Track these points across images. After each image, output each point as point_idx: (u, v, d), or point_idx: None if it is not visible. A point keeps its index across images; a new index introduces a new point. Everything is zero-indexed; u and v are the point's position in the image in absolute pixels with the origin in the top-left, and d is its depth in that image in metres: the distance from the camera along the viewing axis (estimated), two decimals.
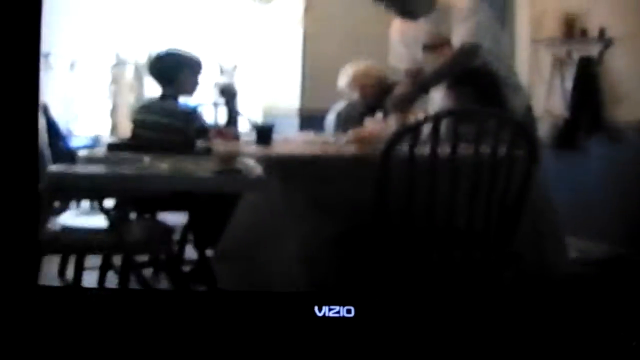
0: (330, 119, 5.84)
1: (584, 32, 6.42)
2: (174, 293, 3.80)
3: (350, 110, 5.74)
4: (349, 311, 3.26)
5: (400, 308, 3.30)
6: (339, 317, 3.25)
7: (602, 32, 6.26)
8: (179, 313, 3.24)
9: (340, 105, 5.86)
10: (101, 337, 3.10)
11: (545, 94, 6.52)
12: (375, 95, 5.63)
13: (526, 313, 3.23)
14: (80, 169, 3.79)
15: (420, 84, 4.57)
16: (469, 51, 4.44)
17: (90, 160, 4.08)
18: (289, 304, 3.28)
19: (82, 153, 4.44)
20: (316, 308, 3.25)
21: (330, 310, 3.25)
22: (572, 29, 6.53)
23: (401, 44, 4.84)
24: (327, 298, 3.24)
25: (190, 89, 4.57)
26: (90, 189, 3.71)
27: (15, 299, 3.08)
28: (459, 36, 4.42)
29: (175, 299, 3.40)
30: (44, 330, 3.08)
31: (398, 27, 4.82)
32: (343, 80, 5.82)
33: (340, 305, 3.24)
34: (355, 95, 5.77)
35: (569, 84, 6.48)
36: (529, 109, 4.77)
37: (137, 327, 3.16)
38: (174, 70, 4.48)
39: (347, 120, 5.60)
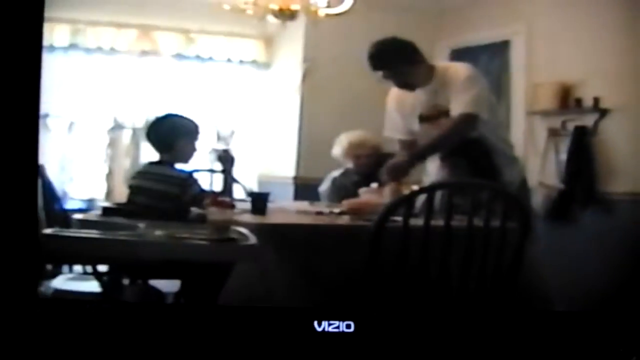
0: (326, 185, 5.85)
1: (578, 102, 6.45)
2: (177, 308, 3.80)
3: (344, 179, 5.76)
4: (348, 326, 3.28)
5: (398, 324, 3.32)
6: (339, 332, 3.28)
7: (596, 102, 6.29)
8: (182, 328, 3.26)
9: (335, 173, 5.87)
10: None
11: (539, 166, 6.53)
12: (369, 165, 5.66)
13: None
14: (74, 232, 3.77)
15: (417, 154, 4.59)
16: (468, 122, 4.47)
17: (84, 224, 4.06)
18: (289, 319, 3.30)
19: (76, 216, 4.43)
20: (316, 323, 3.28)
21: (329, 325, 3.27)
22: (567, 100, 6.57)
23: (397, 113, 4.88)
24: (327, 313, 3.27)
25: (187, 156, 4.55)
26: (83, 253, 3.69)
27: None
28: (457, 107, 4.46)
29: (178, 313, 3.42)
30: None
31: (395, 96, 4.87)
32: (337, 149, 5.84)
33: (340, 320, 3.28)
34: (349, 164, 5.79)
35: (563, 156, 6.49)
36: (523, 181, 4.79)
37: (144, 342, 3.20)
38: (172, 137, 4.47)
39: (341, 189, 5.62)
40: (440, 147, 4.55)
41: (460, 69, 4.61)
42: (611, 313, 3.45)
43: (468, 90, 4.50)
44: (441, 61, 4.78)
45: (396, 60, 4.60)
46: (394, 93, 4.87)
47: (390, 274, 3.52)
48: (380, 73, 4.65)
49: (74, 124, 7.45)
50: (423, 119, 4.71)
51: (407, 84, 4.67)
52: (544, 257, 4.21)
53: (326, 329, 3.29)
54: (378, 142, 5.81)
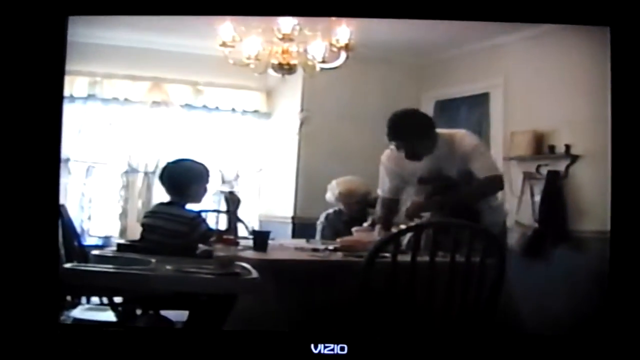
0: (320, 221, 5.88)
1: (551, 149, 6.49)
2: (186, 333, 3.81)
3: (336, 218, 5.78)
4: (342, 349, 3.31)
5: (388, 346, 3.34)
6: (333, 354, 3.30)
7: (568, 149, 6.33)
8: (190, 352, 3.28)
9: (330, 210, 5.91)
10: None
11: (516, 206, 6.55)
12: (359, 210, 5.69)
13: None
14: (91, 267, 3.79)
15: (442, 202, 4.57)
16: (496, 182, 4.64)
17: (101, 259, 4.08)
18: (288, 343, 3.33)
19: (94, 252, 4.45)
20: (312, 346, 3.30)
21: (325, 347, 3.30)
22: (541, 146, 6.60)
23: (394, 175, 4.87)
24: (322, 337, 3.29)
25: (197, 198, 4.57)
26: (100, 286, 3.72)
27: None
28: (482, 171, 4.53)
29: (187, 339, 3.44)
30: None
31: (393, 159, 4.83)
32: (330, 196, 5.87)
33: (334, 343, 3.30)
34: (341, 206, 5.82)
35: (537, 197, 6.52)
36: (504, 223, 4.83)
37: None
38: (184, 180, 4.50)
39: (333, 226, 5.65)
40: (467, 202, 4.57)
41: (466, 138, 4.66)
42: (578, 338, 3.48)
43: (484, 156, 4.63)
44: (440, 128, 4.75)
45: (413, 135, 4.59)
46: (393, 156, 4.82)
47: (380, 304, 3.55)
48: (393, 142, 4.64)
49: (92, 167, 7.47)
50: (422, 181, 4.71)
51: (416, 156, 4.65)
52: (519, 289, 4.24)
53: (322, 351, 3.32)
54: (366, 189, 5.84)
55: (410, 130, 4.57)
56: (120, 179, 7.49)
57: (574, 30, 5.81)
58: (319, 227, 5.89)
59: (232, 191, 5.71)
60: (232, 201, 5.02)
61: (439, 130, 4.68)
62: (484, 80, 7.39)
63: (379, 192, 4.95)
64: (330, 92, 7.57)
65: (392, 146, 4.65)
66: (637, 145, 3.54)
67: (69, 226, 4.72)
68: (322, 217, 5.94)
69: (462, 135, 4.65)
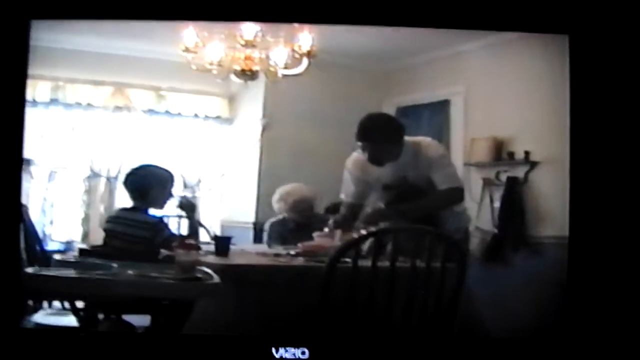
0: (265, 231, 5.87)
1: (511, 155, 6.56)
2: (147, 337, 3.79)
3: (281, 227, 5.77)
4: (303, 352, 3.31)
5: (348, 351, 3.35)
6: (294, 359, 3.30)
7: (527, 155, 6.41)
8: (152, 356, 3.26)
9: (273, 219, 5.89)
10: None
11: (476, 212, 6.59)
12: (307, 216, 5.70)
13: None
14: (53, 271, 3.76)
15: (402, 210, 4.52)
16: (455, 194, 4.62)
17: (63, 264, 4.05)
18: (249, 346, 3.33)
19: (56, 257, 4.41)
20: (274, 349, 3.30)
21: (286, 351, 3.30)
22: (500, 153, 6.67)
23: (358, 181, 4.86)
24: (283, 341, 3.29)
25: (159, 203, 4.55)
26: (62, 291, 3.69)
27: None
28: (444, 181, 4.54)
29: (148, 342, 3.42)
30: None
31: (359, 165, 4.82)
32: (279, 205, 5.84)
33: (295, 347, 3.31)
34: (286, 214, 5.80)
35: (497, 203, 6.56)
36: (466, 229, 4.85)
37: None
38: (147, 186, 4.47)
39: (278, 235, 5.64)
40: (426, 212, 4.55)
41: (432, 147, 4.66)
42: (539, 342, 3.51)
43: (447, 167, 4.63)
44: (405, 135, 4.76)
45: (382, 139, 4.57)
46: (358, 161, 4.81)
47: (341, 308, 3.56)
48: (359, 143, 4.62)
49: (54, 172, 7.42)
50: (387, 188, 4.71)
51: (379, 160, 4.64)
52: (479, 294, 4.26)
53: (283, 355, 3.33)
54: (314, 195, 5.85)
55: (380, 134, 4.56)
56: (82, 183, 7.45)
57: (534, 38, 5.86)
58: (265, 236, 5.88)
59: (184, 196, 5.68)
60: (186, 206, 5.00)
61: (405, 138, 4.69)
62: (445, 87, 7.44)
63: (342, 196, 4.94)
64: (292, 98, 7.58)
65: (358, 150, 4.65)
66: (594, 151, 3.58)
67: (31, 230, 4.69)
68: (266, 226, 5.93)
69: (428, 144, 4.66)
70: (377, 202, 4.80)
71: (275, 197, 5.90)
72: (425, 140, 4.73)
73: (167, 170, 4.63)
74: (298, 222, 5.78)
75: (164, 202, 4.57)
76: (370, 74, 8.03)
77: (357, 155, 4.75)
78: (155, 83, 7.84)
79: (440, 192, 4.53)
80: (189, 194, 7.54)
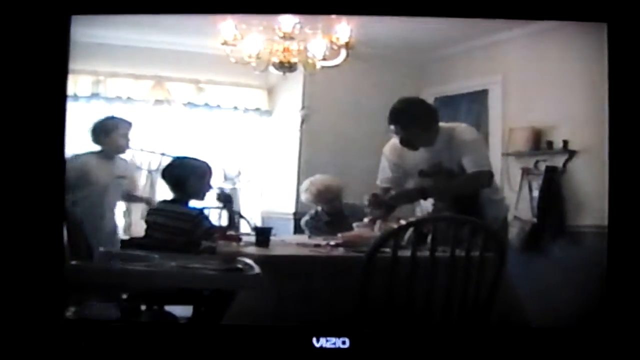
0: (303, 227, 5.88)
1: (549, 145, 6.49)
2: (189, 327, 3.82)
3: (316, 222, 5.78)
4: (344, 342, 3.31)
5: (390, 340, 3.35)
6: (335, 348, 3.30)
7: (565, 145, 6.33)
8: (194, 346, 3.28)
9: (306, 217, 5.90)
10: None
11: (514, 201, 6.55)
12: (338, 206, 5.70)
13: None
14: (97, 264, 3.79)
15: (428, 190, 4.60)
16: (484, 177, 4.59)
17: (106, 256, 4.08)
18: (290, 336, 3.33)
19: (100, 249, 4.44)
20: (314, 339, 3.31)
21: (327, 341, 3.30)
22: (539, 142, 6.60)
23: (395, 166, 4.87)
24: (324, 330, 3.30)
25: (198, 194, 4.57)
26: (105, 283, 3.72)
27: None
28: (473, 165, 4.53)
29: (190, 333, 3.44)
30: None
31: (395, 150, 4.84)
32: (307, 196, 5.86)
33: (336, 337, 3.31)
34: (318, 207, 5.81)
35: (536, 193, 6.52)
36: (504, 218, 4.83)
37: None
38: (184, 177, 4.50)
39: (314, 230, 5.65)
40: (453, 193, 4.58)
41: (466, 131, 4.67)
42: (579, 331, 3.49)
43: (478, 151, 4.62)
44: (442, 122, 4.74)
45: (414, 123, 4.59)
46: (395, 147, 4.83)
47: (381, 298, 3.55)
48: (391, 127, 4.63)
49: None
50: (424, 174, 4.71)
51: (412, 144, 4.67)
52: (518, 283, 4.24)
53: (324, 345, 3.32)
54: (340, 184, 5.86)
55: (410, 116, 4.59)
56: None
57: (572, 26, 5.81)
58: (302, 226, 5.90)
59: (221, 188, 5.71)
60: (223, 198, 5.03)
61: (441, 124, 4.68)
62: (483, 77, 7.39)
63: (378, 182, 4.94)
64: (330, 89, 7.57)
65: (392, 133, 4.65)
66: (634, 140, 3.54)
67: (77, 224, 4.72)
68: (302, 224, 5.94)
69: (463, 128, 4.67)
70: None
71: (302, 188, 5.93)
72: (460, 125, 4.74)
73: (204, 162, 4.65)
74: (330, 214, 5.79)
75: (204, 194, 4.59)
76: (408, 64, 7.99)
77: (395, 141, 4.75)
78: (194, 76, 7.85)
79: (467, 175, 4.51)
80: (229, 186, 7.56)
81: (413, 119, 4.57)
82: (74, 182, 5.09)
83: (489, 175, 4.61)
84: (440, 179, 4.60)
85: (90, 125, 5.47)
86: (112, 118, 5.66)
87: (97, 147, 5.38)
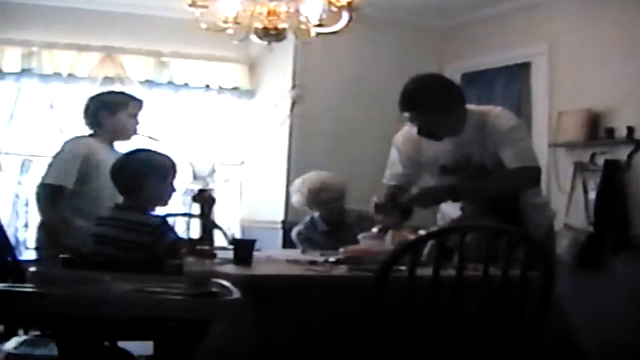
0: (295, 241, 5.89)
1: (609, 133, 6.49)
2: None
3: (310, 231, 5.79)
4: None
5: None
6: None
7: (630, 132, 6.35)
8: None
9: (299, 226, 5.92)
10: None
11: (565, 206, 6.57)
12: (338, 210, 5.71)
13: None
14: (29, 287, 3.79)
15: (463, 189, 4.58)
16: (531, 175, 4.59)
17: (41, 277, 4.08)
18: None
19: (32, 269, 4.44)
20: None
21: None
22: (596, 130, 6.61)
23: (410, 161, 4.87)
24: None
25: (160, 198, 4.55)
26: (40, 312, 3.71)
27: None
28: (514, 159, 4.51)
29: None
30: None
31: (410, 140, 4.84)
32: (298, 198, 5.88)
33: None
34: (314, 213, 5.83)
35: (592, 194, 6.53)
36: (550, 226, 4.83)
37: None
38: (140, 176, 4.47)
39: (309, 243, 5.66)
40: (489, 195, 4.57)
41: (502, 117, 4.64)
42: None
43: (520, 141, 4.59)
44: (472, 105, 4.73)
45: (434, 107, 4.55)
46: (411, 136, 4.82)
47: (394, 328, 3.55)
48: (405, 114, 4.62)
49: (28, 161, 7.48)
50: (446, 170, 4.71)
51: (434, 134, 4.65)
52: (572, 307, 4.24)
53: None
54: (341, 183, 5.86)
55: (428, 99, 4.55)
56: None
57: None
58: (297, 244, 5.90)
59: (203, 189, 5.70)
60: (204, 202, 5.02)
61: (469, 107, 4.67)
62: (524, 46, 7.42)
63: (385, 180, 4.94)
64: (328, 63, 7.60)
65: (407, 122, 4.64)
66: None
67: (0, 237, 4.72)
68: (293, 236, 5.95)
69: (498, 114, 4.65)
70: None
71: (293, 188, 5.95)
72: (495, 109, 4.73)
73: (166, 156, 4.62)
74: (328, 221, 5.80)
75: (167, 197, 4.57)
76: (428, 31, 8.03)
77: (409, 129, 4.75)
78: (154, 47, 7.88)
79: (508, 172, 4.51)
80: (199, 187, 7.57)
81: (432, 102, 4.54)
82: (83, 169, 5.24)
83: (537, 172, 4.61)
84: (468, 177, 4.60)
85: (89, 100, 5.61)
86: (120, 93, 5.82)
87: (89, 131, 5.56)
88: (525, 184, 4.60)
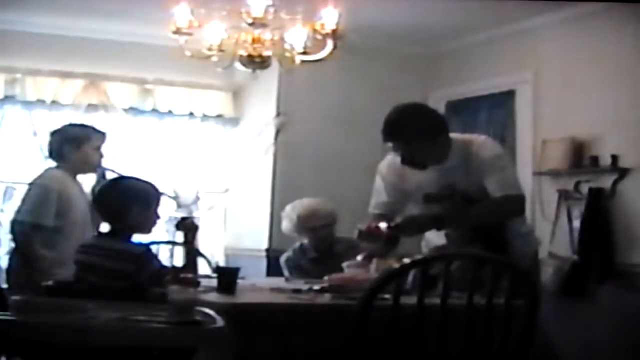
0: (283, 266, 5.89)
1: (594, 161, 6.53)
2: None
3: (299, 258, 5.80)
4: None
5: None
6: None
7: (615, 161, 6.38)
8: None
9: (288, 253, 5.92)
10: None
11: (550, 234, 6.58)
12: (328, 237, 5.72)
13: None
14: (11, 316, 3.78)
15: (444, 218, 4.56)
16: (515, 204, 4.58)
17: (23, 306, 4.07)
18: None
19: (14, 297, 4.43)
20: None
21: None
22: (580, 158, 6.64)
23: (395, 190, 4.86)
24: None
25: (143, 226, 4.54)
26: (22, 340, 3.70)
27: None
28: (498, 187, 4.50)
29: None
30: None
31: (393, 169, 4.83)
32: (287, 224, 5.87)
33: None
34: (303, 240, 5.83)
35: (577, 222, 6.55)
36: (535, 254, 4.84)
37: None
38: (124, 203, 4.47)
39: (297, 270, 5.66)
40: (474, 224, 4.57)
41: (486, 145, 4.66)
42: None
43: (504, 170, 4.60)
44: (456, 133, 4.75)
45: (417, 136, 4.56)
46: (395, 165, 4.80)
47: (378, 358, 3.56)
48: (389, 144, 4.63)
49: (11, 189, 7.47)
50: (430, 199, 4.70)
51: (418, 163, 4.65)
52: (556, 337, 4.25)
53: None
54: (332, 210, 5.87)
55: (411, 129, 4.56)
56: None
57: (621, 9, 5.88)
58: (285, 273, 5.90)
59: (186, 217, 5.70)
60: (187, 230, 5.02)
61: (453, 136, 4.68)
62: (509, 75, 7.46)
63: (370, 209, 4.94)
64: (313, 91, 7.62)
65: (392, 151, 4.66)
66: None
67: None
68: (282, 262, 5.95)
69: (482, 142, 4.67)
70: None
71: (283, 214, 5.95)
72: (479, 138, 4.74)
73: (150, 184, 4.62)
74: (318, 249, 5.80)
75: (150, 225, 4.56)
76: (413, 59, 8.06)
77: (393, 157, 4.75)
78: (138, 74, 7.89)
79: (492, 201, 4.52)
80: (183, 215, 7.57)
81: (415, 131, 4.55)
82: (59, 204, 5.26)
83: (521, 200, 4.61)
84: (452, 205, 4.60)
85: (52, 134, 5.66)
86: (84, 127, 5.83)
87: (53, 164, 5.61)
88: (510, 212, 4.61)
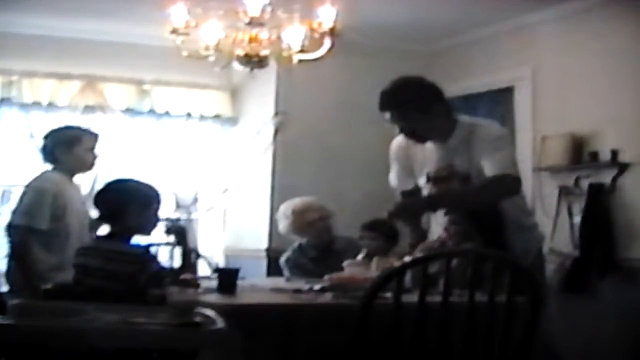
0: (282, 267, 5.89)
1: (594, 156, 6.53)
2: None
3: (300, 258, 5.79)
4: None
5: None
6: None
7: (614, 156, 6.38)
8: None
9: (288, 253, 5.92)
10: None
11: (550, 230, 6.57)
12: (326, 231, 5.71)
13: None
14: (9, 320, 3.77)
15: (437, 199, 4.55)
16: (510, 184, 4.51)
17: (23, 309, 4.06)
18: None
19: (13, 302, 4.42)
20: None
21: None
22: (580, 154, 6.64)
23: (404, 169, 4.90)
24: None
25: (142, 228, 4.54)
26: (21, 345, 3.69)
27: None
28: (494, 166, 4.45)
29: None
30: None
31: (401, 146, 4.87)
32: (284, 224, 5.88)
33: None
34: (302, 239, 5.83)
35: (577, 218, 6.54)
36: (539, 251, 4.82)
37: None
38: (123, 206, 4.45)
39: (299, 269, 5.66)
40: (468, 204, 4.53)
41: (491, 128, 4.67)
42: None
43: (502, 150, 4.54)
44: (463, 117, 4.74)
45: (413, 104, 4.58)
46: (400, 143, 4.87)
47: (380, 357, 3.55)
48: (386, 115, 4.63)
49: (8, 192, 7.46)
50: (432, 180, 4.69)
51: (414, 135, 4.66)
52: (559, 332, 4.24)
53: None
54: (325, 205, 5.88)
55: (406, 97, 4.59)
56: None
57: (620, 4, 5.88)
58: (285, 273, 5.90)
59: (174, 219, 5.72)
60: (176, 232, 5.03)
61: (461, 118, 4.69)
62: (508, 71, 7.45)
63: (392, 184, 4.94)
64: (312, 90, 7.61)
65: (389, 123, 4.65)
66: None
67: None
68: (282, 263, 5.95)
69: (488, 124, 4.68)
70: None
71: (279, 214, 5.94)
72: (485, 122, 4.76)
73: (149, 186, 4.62)
74: (318, 247, 5.80)
75: (150, 227, 4.56)
76: (411, 56, 8.04)
77: (402, 137, 4.76)
78: (136, 75, 7.88)
79: (485, 181, 4.49)
80: (183, 216, 7.56)
81: (410, 100, 4.57)
82: (54, 207, 5.32)
83: (514, 181, 4.52)
84: (452, 187, 4.58)
85: (44, 138, 5.72)
86: (75, 129, 5.88)
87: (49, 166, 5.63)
88: (503, 192, 4.50)
